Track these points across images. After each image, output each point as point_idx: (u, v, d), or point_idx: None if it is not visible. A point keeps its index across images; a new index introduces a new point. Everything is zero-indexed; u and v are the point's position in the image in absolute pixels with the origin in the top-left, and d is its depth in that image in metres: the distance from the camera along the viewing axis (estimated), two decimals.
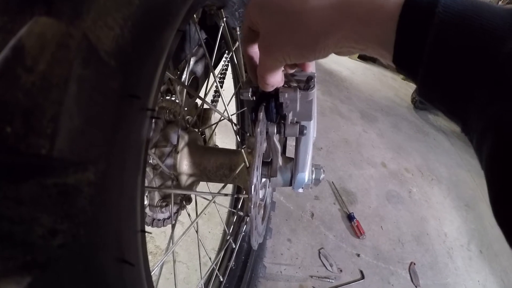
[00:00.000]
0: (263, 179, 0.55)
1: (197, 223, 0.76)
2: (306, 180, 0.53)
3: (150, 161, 0.53)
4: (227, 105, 0.67)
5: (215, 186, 0.98)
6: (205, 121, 0.73)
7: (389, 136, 2.34)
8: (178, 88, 0.64)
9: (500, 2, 2.69)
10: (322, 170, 0.55)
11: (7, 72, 0.16)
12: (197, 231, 0.78)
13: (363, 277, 1.28)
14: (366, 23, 0.25)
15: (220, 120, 0.74)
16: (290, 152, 0.55)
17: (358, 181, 1.75)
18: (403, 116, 2.73)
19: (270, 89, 0.37)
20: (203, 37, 0.73)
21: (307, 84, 0.39)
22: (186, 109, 0.66)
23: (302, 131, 0.44)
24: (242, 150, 0.59)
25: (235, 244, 0.93)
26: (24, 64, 0.16)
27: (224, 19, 0.61)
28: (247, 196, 0.52)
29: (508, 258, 1.66)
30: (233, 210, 1.04)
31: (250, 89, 0.41)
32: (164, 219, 0.60)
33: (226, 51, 0.84)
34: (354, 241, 1.41)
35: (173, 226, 0.58)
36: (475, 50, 0.20)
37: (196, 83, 0.77)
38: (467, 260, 1.56)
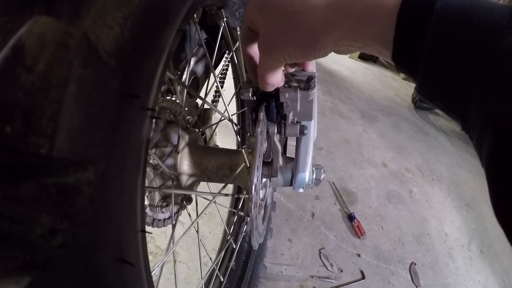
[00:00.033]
0: (264, 179, 0.55)
1: (197, 223, 0.76)
2: (306, 180, 0.53)
3: (151, 161, 0.53)
4: (228, 105, 0.67)
5: (215, 186, 0.97)
6: (205, 121, 0.73)
7: (390, 136, 2.33)
8: (178, 88, 0.64)
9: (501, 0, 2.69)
10: (322, 170, 0.55)
11: (7, 72, 0.16)
12: (197, 231, 0.78)
13: (363, 277, 1.27)
14: (364, 21, 0.25)
15: (220, 120, 0.74)
16: (290, 152, 0.55)
17: (359, 181, 1.75)
18: (403, 116, 2.73)
19: (271, 89, 0.37)
20: (204, 37, 0.73)
21: (307, 84, 0.39)
22: (186, 109, 0.66)
23: (302, 131, 0.44)
24: (243, 150, 0.58)
25: (236, 244, 0.93)
26: (23, 63, 0.16)
27: (225, 19, 0.61)
28: (247, 196, 0.52)
29: (508, 258, 1.65)
30: (233, 210, 1.04)
31: (251, 89, 0.41)
32: (164, 219, 0.60)
33: (227, 51, 0.84)
34: (354, 241, 1.41)
35: (174, 226, 0.58)
36: (473, 46, 0.20)
37: (197, 83, 0.77)
38: (468, 260, 1.56)
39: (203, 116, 0.73)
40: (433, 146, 2.44)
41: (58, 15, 0.18)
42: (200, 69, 0.77)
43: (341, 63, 3.31)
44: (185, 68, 0.72)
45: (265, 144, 0.49)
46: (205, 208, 0.60)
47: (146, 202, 0.56)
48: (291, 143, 0.54)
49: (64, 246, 0.18)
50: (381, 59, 3.45)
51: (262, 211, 0.57)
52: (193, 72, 0.75)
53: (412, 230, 1.60)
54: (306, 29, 0.28)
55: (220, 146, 0.71)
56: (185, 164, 0.56)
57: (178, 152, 0.55)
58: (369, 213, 1.58)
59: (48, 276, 0.18)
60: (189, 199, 0.61)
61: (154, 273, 0.35)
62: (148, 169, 0.53)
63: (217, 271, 0.83)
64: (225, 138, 1.46)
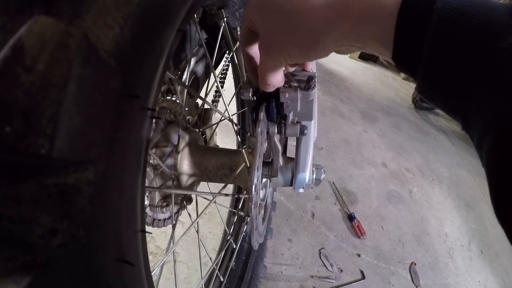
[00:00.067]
0: (264, 179, 0.55)
1: (197, 223, 0.76)
2: (306, 180, 0.53)
3: (151, 161, 0.53)
4: (228, 105, 0.67)
5: (215, 186, 0.97)
6: (205, 121, 0.73)
7: (390, 136, 2.33)
8: (178, 88, 0.64)
9: None
10: (322, 170, 0.55)
11: (6, 72, 0.16)
12: (197, 231, 0.78)
13: (363, 277, 1.27)
14: (364, 21, 0.25)
15: (220, 120, 0.74)
16: (290, 152, 0.55)
17: (359, 181, 1.75)
18: (403, 116, 2.73)
19: (271, 89, 0.37)
20: (204, 37, 0.73)
21: (307, 84, 0.39)
22: (186, 109, 0.66)
23: (302, 131, 0.44)
24: (243, 150, 0.58)
25: (236, 244, 0.93)
26: (23, 63, 0.16)
27: (225, 19, 0.61)
28: (247, 196, 0.52)
29: (509, 258, 1.65)
30: (233, 210, 1.04)
31: (251, 89, 0.41)
32: (164, 219, 0.60)
33: (227, 51, 0.84)
34: (354, 241, 1.41)
35: (174, 226, 0.58)
36: (474, 46, 0.20)
37: (197, 83, 0.77)
38: (468, 260, 1.56)
39: (203, 116, 0.73)
40: (433, 146, 2.44)
41: (58, 15, 0.18)
42: (200, 69, 0.77)
43: (341, 63, 3.30)
44: (185, 68, 0.71)
45: (265, 144, 0.49)
46: (205, 208, 0.60)
47: (146, 202, 0.56)
48: (291, 143, 0.54)
49: (64, 246, 0.18)
50: (381, 58, 3.45)
51: (262, 211, 0.57)
52: (193, 72, 0.75)
53: (412, 230, 1.59)
54: (306, 29, 0.28)
55: (220, 146, 0.71)
56: (185, 164, 0.56)
57: (178, 152, 0.55)
58: (369, 213, 1.58)
59: (48, 276, 0.18)
60: (189, 199, 0.61)
61: (154, 273, 0.35)
62: (148, 169, 0.53)
63: (217, 271, 0.83)
64: (225, 138, 1.46)
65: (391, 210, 1.66)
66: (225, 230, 1.06)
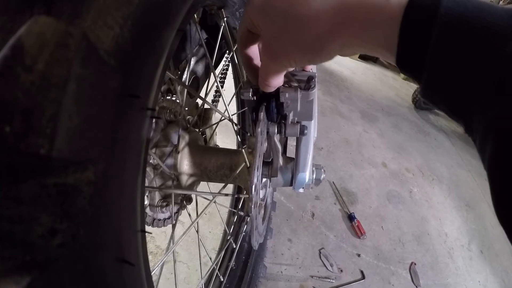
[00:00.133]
0: (264, 179, 0.55)
1: (197, 223, 0.76)
2: (306, 180, 0.53)
3: (151, 161, 0.53)
4: (228, 105, 0.67)
5: (215, 186, 0.97)
6: (205, 121, 0.73)
7: (390, 136, 2.33)
8: (178, 88, 0.64)
9: (501, 2, 2.69)
10: (322, 170, 0.55)
11: (6, 72, 0.16)
12: (197, 231, 0.78)
13: (363, 277, 1.27)
14: (368, 26, 0.25)
15: (220, 120, 0.74)
16: (290, 152, 0.55)
17: (359, 181, 1.75)
18: (403, 116, 2.73)
19: (271, 90, 0.37)
20: (204, 37, 0.73)
21: (307, 84, 0.39)
22: (186, 109, 0.66)
23: (302, 131, 0.44)
24: (243, 150, 0.58)
25: (236, 244, 0.93)
26: (23, 63, 0.16)
27: (225, 19, 0.61)
28: (247, 196, 0.52)
29: (509, 258, 1.65)
30: (233, 210, 1.04)
31: (251, 89, 0.41)
32: (164, 219, 0.60)
33: (227, 51, 0.84)
34: (354, 241, 1.41)
35: (174, 226, 0.58)
36: (477, 51, 0.20)
37: (197, 83, 0.77)
38: (468, 260, 1.56)
39: (203, 116, 0.73)
40: (433, 146, 2.44)
41: (58, 15, 0.18)
42: (200, 69, 0.77)
43: (341, 63, 3.30)
44: (185, 68, 0.72)
45: (265, 144, 0.49)
46: (205, 208, 0.60)
47: (146, 202, 0.56)
48: (291, 143, 0.54)
49: (64, 246, 0.18)
50: (382, 59, 3.44)
51: (262, 211, 0.57)
52: (193, 72, 0.75)
53: (412, 230, 1.59)
54: (311, 35, 0.27)
55: (220, 146, 0.71)
56: (185, 164, 0.56)
57: (178, 152, 0.55)
58: (369, 213, 1.58)
59: (48, 276, 0.18)
60: (189, 199, 0.61)
61: (154, 273, 0.35)
62: (148, 169, 0.53)
63: (217, 271, 0.83)
64: (225, 138, 1.46)
65: (391, 210, 1.66)
66: (225, 230, 1.06)
